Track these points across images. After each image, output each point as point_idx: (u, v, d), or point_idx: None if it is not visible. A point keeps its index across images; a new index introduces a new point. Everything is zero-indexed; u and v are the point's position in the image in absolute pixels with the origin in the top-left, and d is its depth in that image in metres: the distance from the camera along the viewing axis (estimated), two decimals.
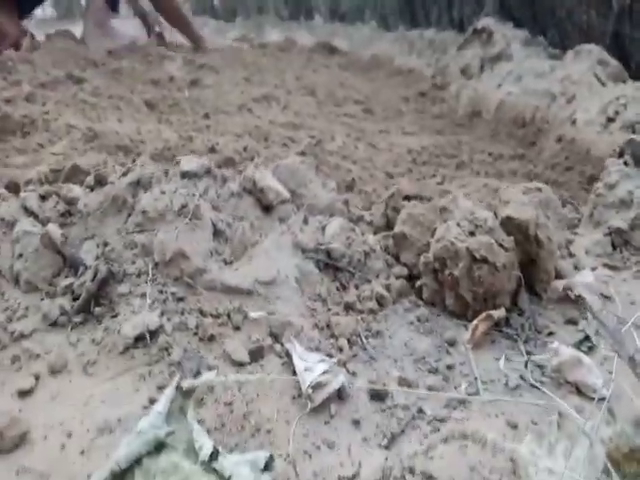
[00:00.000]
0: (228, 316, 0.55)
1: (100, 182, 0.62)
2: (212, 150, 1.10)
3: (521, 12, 2.81)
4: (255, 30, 5.90)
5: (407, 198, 0.76)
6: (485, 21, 2.21)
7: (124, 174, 0.62)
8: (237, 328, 0.54)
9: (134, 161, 0.76)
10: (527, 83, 1.64)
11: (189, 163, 0.63)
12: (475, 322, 0.56)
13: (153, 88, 1.80)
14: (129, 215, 0.61)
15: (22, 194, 0.64)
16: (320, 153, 1.12)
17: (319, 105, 1.70)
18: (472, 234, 0.58)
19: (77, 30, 2.68)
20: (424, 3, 4.85)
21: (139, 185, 0.62)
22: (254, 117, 1.47)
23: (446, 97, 1.92)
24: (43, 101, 1.40)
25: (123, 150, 1.06)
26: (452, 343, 0.57)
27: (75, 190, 0.61)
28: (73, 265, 0.57)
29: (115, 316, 0.54)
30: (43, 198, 0.63)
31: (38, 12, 6.11)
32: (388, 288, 0.64)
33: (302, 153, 1.14)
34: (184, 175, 0.63)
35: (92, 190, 0.62)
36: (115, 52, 2.22)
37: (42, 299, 0.56)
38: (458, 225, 0.58)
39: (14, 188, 0.68)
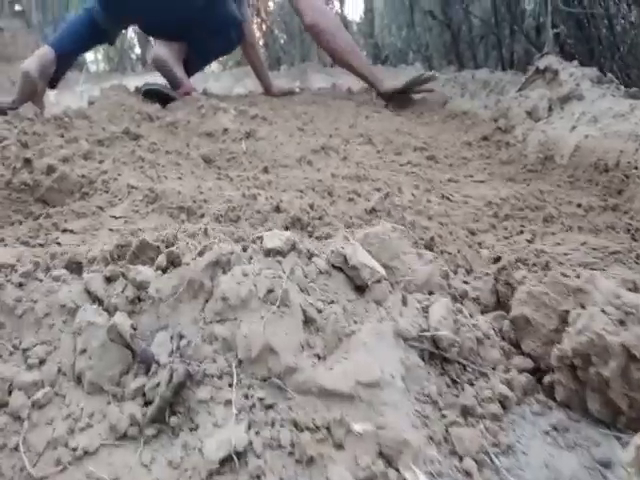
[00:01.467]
0: (328, 430, 0.45)
1: (173, 262, 0.55)
2: (277, 209, 1.03)
3: (577, 49, 2.72)
4: (300, 77, 5.99)
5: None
6: (547, 60, 2.12)
7: (200, 253, 0.55)
8: (340, 446, 0.45)
9: (206, 232, 0.69)
10: (606, 125, 1.52)
11: (273, 239, 0.56)
12: (638, 440, 0.45)
13: (208, 141, 1.78)
14: (206, 301, 0.53)
15: (85, 275, 0.58)
16: (392, 209, 1.04)
17: (379, 154, 1.63)
18: (622, 324, 0.48)
19: (130, 83, 2.75)
20: (471, 43, 4.82)
21: (217, 266, 0.54)
22: (314, 170, 1.41)
23: (512, 141, 1.82)
24: (100, 159, 1.38)
25: (186, 212, 1.00)
26: (607, 464, 0.46)
27: (145, 272, 0.54)
28: (144, 361, 0.50)
29: (195, 429, 0.46)
30: (109, 280, 0.56)
31: (91, 66, 6.42)
32: (510, 385, 0.53)
33: (373, 210, 1.06)
34: (268, 253, 0.55)
35: (164, 272, 0.55)
36: (169, 105, 2.24)
37: (109, 403, 0.49)
38: (604, 312, 0.48)
39: (76, 268, 0.62)
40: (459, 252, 0.91)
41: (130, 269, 0.55)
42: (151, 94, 2.27)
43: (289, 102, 2.90)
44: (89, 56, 6.32)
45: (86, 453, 0.45)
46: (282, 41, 7.60)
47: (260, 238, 0.57)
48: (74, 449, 0.45)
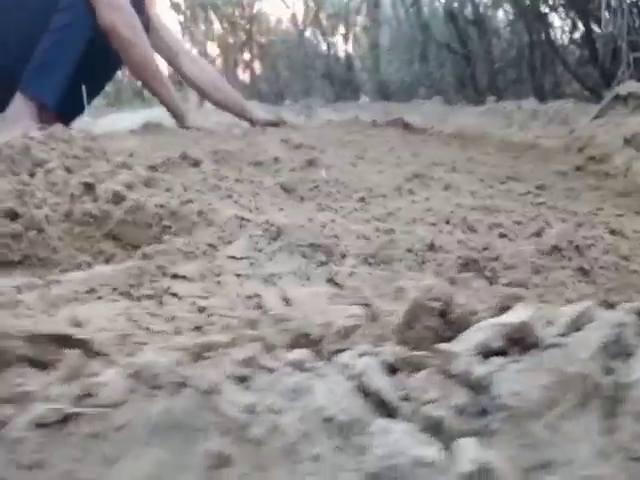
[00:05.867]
0: None
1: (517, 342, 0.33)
2: (431, 247, 0.82)
3: None
4: (305, 112, 5.89)
5: None
6: (629, 86, 1.98)
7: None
8: None
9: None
10: None
11: None
12: None
13: (260, 170, 1.58)
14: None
15: (351, 362, 0.34)
16: (582, 247, 0.83)
17: (482, 182, 1.43)
18: None
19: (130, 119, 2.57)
20: (492, 75, 4.76)
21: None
22: (424, 200, 1.20)
23: (612, 171, 1.65)
24: (166, 187, 1.16)
25: (321, 251, 0.78)
26: None
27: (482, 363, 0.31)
28: None
29: None
30: (393, 370, 0.33)
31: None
32: None
33: (555, 249, 0.84)
34: None
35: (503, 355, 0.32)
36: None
37: None
38: None
39: (313, 344, 0.39)
40: None
41: (440, 350, 0.32)
42: None
43: (322, 132, 2.73)
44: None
45: None
46: (284, 75, 7.57)
47: None
48: None
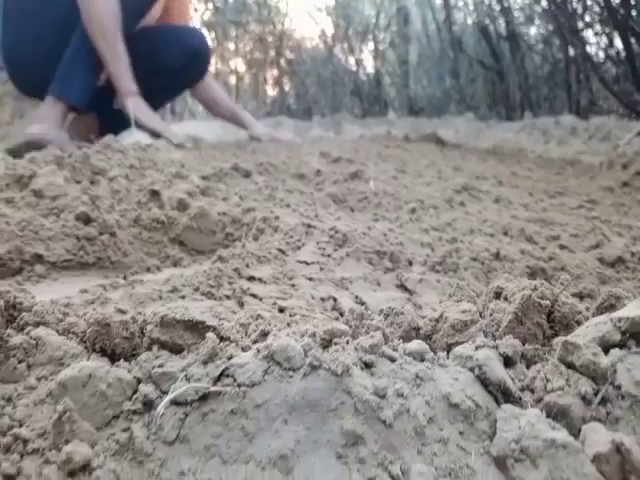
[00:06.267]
0: None
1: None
2: (497, 256, 0.83)
3: None
4: (333, 127, 5.94)
5: None
6: None
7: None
8: None
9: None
10: None
11: None
12: None
13: (302, 183, 1.61)
14: None
15: (470, 353, 0.36)
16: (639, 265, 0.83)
17: (532, 197, 1.44)
18: None
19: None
20: (526, 92, 4.76)
21: None
22: (476, 212, 1.21)
23: None
24: (223, 196, 1.20)
25: (388, 257, 0.80)
26: None
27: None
28: None
29: None
30: (510, 362, 0.35)
31: None
32: None
33: (619, 260, 0.85)
34: None
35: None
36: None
37: None
38: None
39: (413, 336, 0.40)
40: None
41: (560, 343, 0.34)
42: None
43: (357, 146, 2.76)
44: None
45: None
46: (312, 91, 7.66)
47: None
48: None
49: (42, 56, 2.00)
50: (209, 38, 6.81)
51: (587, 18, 3.74)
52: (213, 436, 0.34)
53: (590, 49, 3.77)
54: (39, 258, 0.82)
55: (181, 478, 0.32)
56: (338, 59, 7.70)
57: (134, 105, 1.99)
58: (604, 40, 3.88)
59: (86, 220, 0.91)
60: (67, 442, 0.32)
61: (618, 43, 3.55)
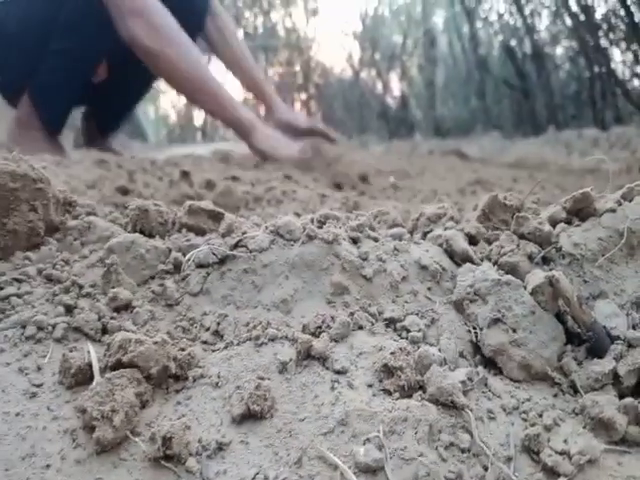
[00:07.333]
0: None
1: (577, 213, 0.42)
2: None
3: None
4: (360, 148, 6.06)
5: None
6: None
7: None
8: None
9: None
10: None
11: None
12: None
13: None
14: None
15: (440, 232, 0.44)
16: None
17: (544, 190, 1.50)
18: None
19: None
20: (564, 110, 4.79)
21: None
22: None
23: None
24: (249, 180, 1.30)
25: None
26: None
27: (542, 223, 0.40)
28: (594, 341, 0.35)
29: None
30: (473, 239, 0.43)
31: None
32: None
33: None
34: None
35: (568, 223, 0.41)
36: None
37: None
38: None
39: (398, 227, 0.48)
40: None
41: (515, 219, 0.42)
42: None
43: (380, 157, 2.85)
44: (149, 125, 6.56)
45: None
46: (339, 114, 7.83)
47: None
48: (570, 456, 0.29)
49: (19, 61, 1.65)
50: None
51: (611, 35, 3.80)
52: (229, 289, 0.42)
53: (615, 66, 3.82)
54: None
55: (204, 317, 0.41)
56: (365, 82, 7.89)
57: (265, 139, 1.64)
58: (629, 57, 3.93)
59: (124, 192, 1.02)
60: (113, 288, 0.41)
61: None
